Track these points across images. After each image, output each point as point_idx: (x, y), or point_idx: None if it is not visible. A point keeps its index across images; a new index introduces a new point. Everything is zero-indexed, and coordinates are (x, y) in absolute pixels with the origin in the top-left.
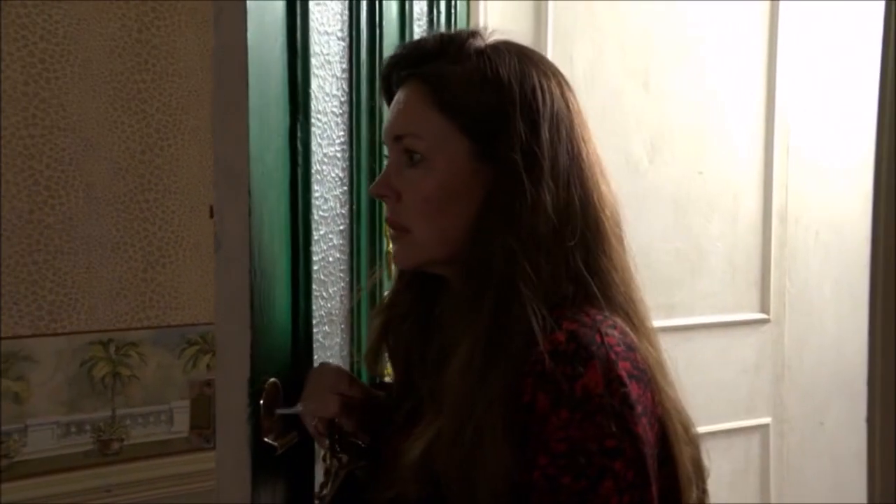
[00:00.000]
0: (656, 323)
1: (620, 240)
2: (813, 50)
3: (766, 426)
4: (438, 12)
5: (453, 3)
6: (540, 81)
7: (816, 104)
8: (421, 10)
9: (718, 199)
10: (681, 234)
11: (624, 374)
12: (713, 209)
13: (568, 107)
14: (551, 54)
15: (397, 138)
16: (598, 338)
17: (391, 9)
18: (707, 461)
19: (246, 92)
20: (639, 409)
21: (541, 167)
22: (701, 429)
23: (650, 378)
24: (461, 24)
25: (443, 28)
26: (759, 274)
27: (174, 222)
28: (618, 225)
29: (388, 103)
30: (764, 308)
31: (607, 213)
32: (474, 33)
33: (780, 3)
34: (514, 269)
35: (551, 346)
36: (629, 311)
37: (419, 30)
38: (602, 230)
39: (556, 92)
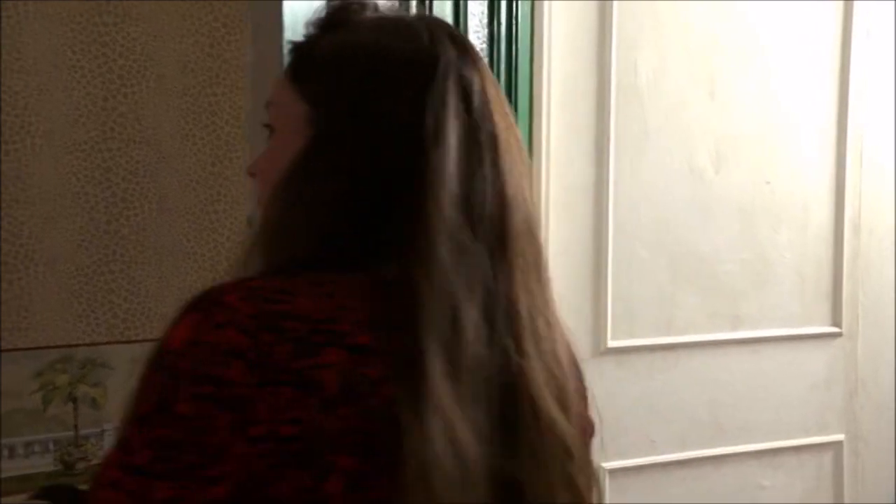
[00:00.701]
0: (721, 335)
1: None
2: (888, 52)
3: (839, 443)
4: (499, 15)
5: (515, 4)
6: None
7: (891, 110)
8: (482, 12)
9: (787, 209)
10: (747, 245)
11: None
12: (781, 219)
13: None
14: (615, 60)
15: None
16: None
17: (444, 8)
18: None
19: None
20: None
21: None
22: (769, 444)
23: None
24: (524, 28)
25: (503, 31)
26: (831, 286)
27: (242, 232)
28: None
29: None
30: (836, 321)
31: None
32: (364, 5)
33: (855, 3)
34: None
35: None
36: None
37: (479, 31)
38: None
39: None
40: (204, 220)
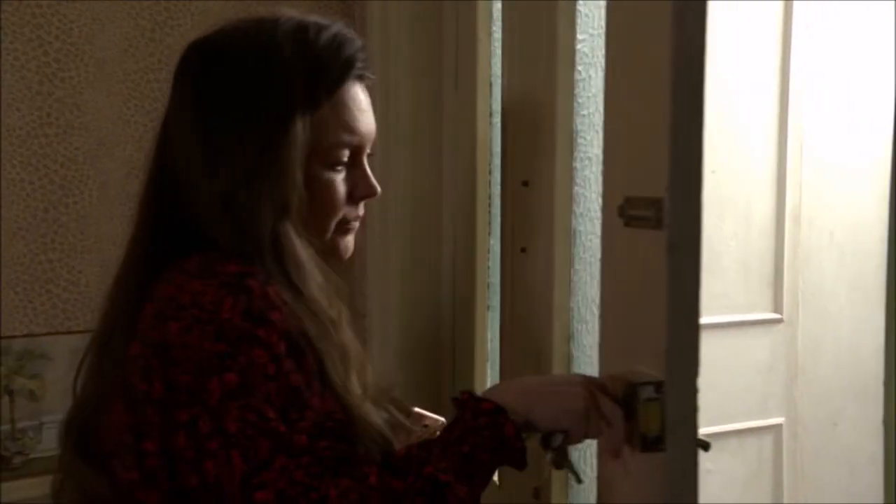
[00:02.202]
0: None
1: None
2: (827, 48)
3: (779, 427)
4: None
5: None
6: None
7: (831, 103)
8: None
9: (731, 199)
10: None
11: None
12: (726, 209)
13: None
14: None
15: (372, 142)
16: None
17: None
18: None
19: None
20: None
21: None
22: (713, 429)
23: None
24: None
25: None
26: (773, 274)
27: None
28: None
29: (331, 91)
30: (777, 308)
31: None
32: None
33: (794, 2)
34: None
35: None
36: None
37: None
38: None
39: None
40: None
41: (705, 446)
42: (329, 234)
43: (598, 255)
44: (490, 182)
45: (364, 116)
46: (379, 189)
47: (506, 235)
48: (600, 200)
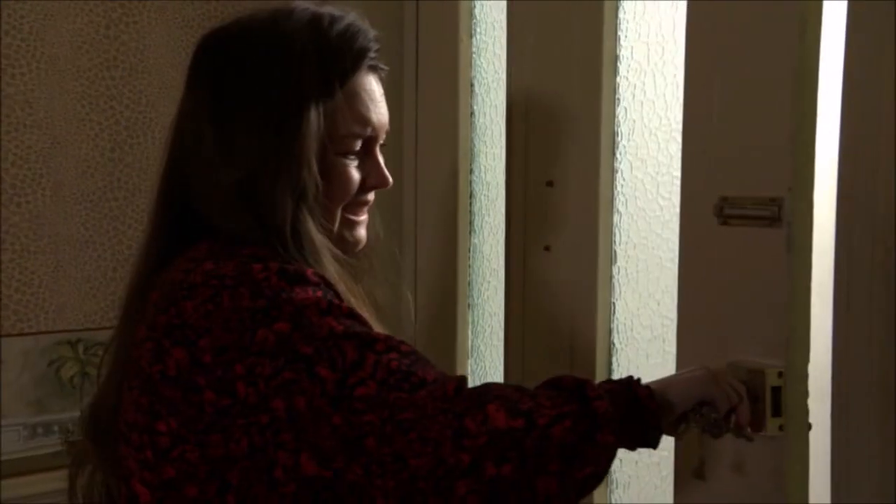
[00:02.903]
0: None
1: None
2: None
3: None
4: None
5: None
6: None
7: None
8: None
9: None
10: None
11: None
12: None
13: None
14: None
15: (386, 131)
16: None
17: None
18: None
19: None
20: None
21: None
22: None
23: None
24: None
25: None
26: None
27: (144, 220)
28: None
29: (344, 80)
30: None
31: None
32: None
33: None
34: None
35: None
36: None
37: None
38: None
39: None
40: (103, 208)
41: (809, 426)
42: (336, 224)
43: (645, 252)
44: (471, 181)
45: (377, 107)
46: (391, 179)
47: (527, 234)
48: (648, 199)
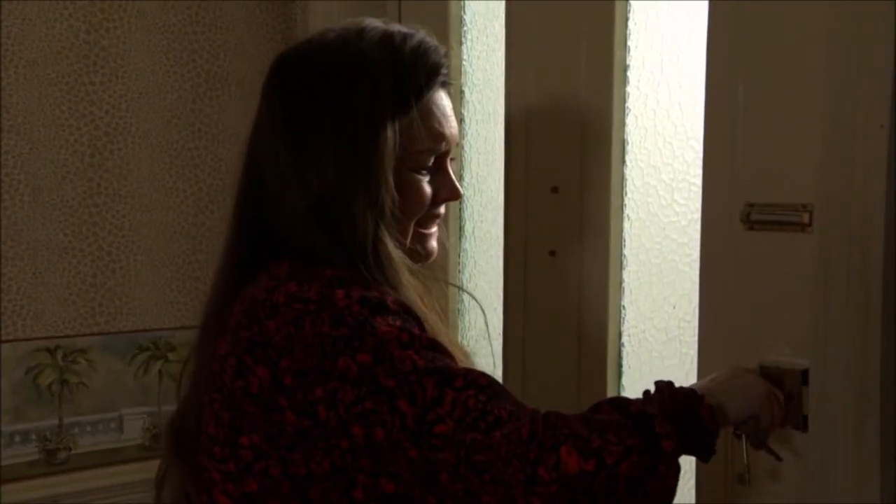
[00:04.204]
0: None
1: None
2: None
3: None
4: None
5: None
6: None
7: None
8: None
9: None
10: None
11: None
12: None
13: None
14: None
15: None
16: None
17: None
18: None
19: None
20: None
21: None
22: None
23: None
24: None
25: None
26: None
27: (124, 227)
28: None
29: (419, 97)
30: None
31: None
32: None
33: None
34: None
35: None
36: None
37: None
38: None
39: None
40: (83, 214)
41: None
42: (409, 238)
43: (659, 256)
44: (463, 186)
45: (449, 122)
46: (462, 192)
47: (529, 239)
48: (662, 205)
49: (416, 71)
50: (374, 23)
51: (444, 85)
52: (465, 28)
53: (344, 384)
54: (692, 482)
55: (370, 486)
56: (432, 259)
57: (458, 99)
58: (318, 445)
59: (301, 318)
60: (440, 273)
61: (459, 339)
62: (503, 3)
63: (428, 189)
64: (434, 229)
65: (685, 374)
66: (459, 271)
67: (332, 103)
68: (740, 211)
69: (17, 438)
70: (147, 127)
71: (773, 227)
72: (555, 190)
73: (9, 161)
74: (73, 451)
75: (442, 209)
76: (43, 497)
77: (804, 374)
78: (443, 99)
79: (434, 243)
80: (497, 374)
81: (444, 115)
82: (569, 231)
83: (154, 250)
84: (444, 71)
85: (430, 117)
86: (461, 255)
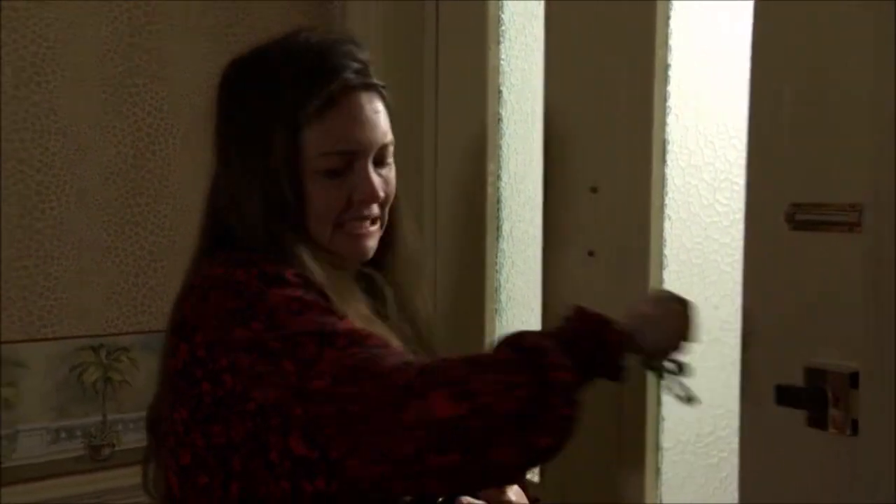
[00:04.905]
0: None
1: None
2: None
3: None
4: None
5: None
6: None
7: None
8: None
9: None
10: None
11: None
12: None
13: None
14: None
15: (383, 147)
16: None
17: None
18: None
19: None
20: None
21: None
22: None
23: None
24: None
25: None
26: None
27: (165, 226)
28: None
29: (322, 102)
30: None
31: None
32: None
33: None
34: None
35: None
36: None
37: None
38: None
39: None
40: (125, 214)
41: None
42: (327, 238)
43: (700, 257)
44: (499, 187)
45: (358, 126)
46: (379, 192)
47: (568, 239)
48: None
49: (314, 77)
50: (301, 30)
51: (365, 87)
52: (503, 28)
53: (241, 352)
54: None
55: (282, 448)
56: (365, 259)
57: (496, 98)
58: (233, 412)
59: (207, 295)
60: (410, 272)
61: (496, 337)
62: (542, 3)
63: (333, 191)
64: (364, 230)
65: (727, 376)
66: (497, 271)
67: (238, 110)
68: (785, 211)
69: (63, 435)
70: (188, 128)
71: (819, 228)
72: (594, 190)
73: (56, 162)
74: (116, 448)
75: (372, 210)
76: (88, 493)
77: (853, 376)
78: (355, 103)
79: (366, 244)
80: None
81: (353, 118)
82: (608, 231)
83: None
84: (349, 74)
85: (331, 121)
86: (498, 254)
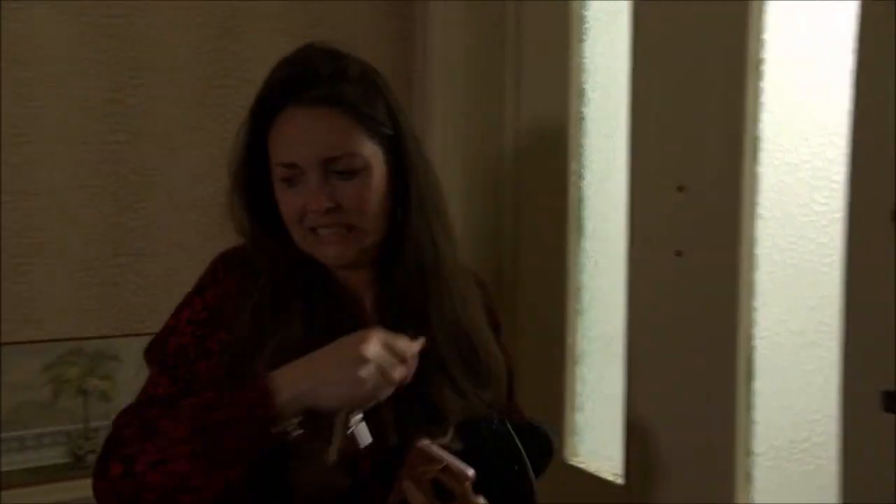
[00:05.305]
0: None
1: None
2: None
3: None
4: None
5: None
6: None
7: None
8: None
9: None
10: None
11: None
12: None
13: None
14: None
15: (330, 160)
16: None
17: None
18: None
19: None
20: None
21: (411, 151)
22: None
23: None
24: None
25: None
26: None
27: None
28: None
29: (270, 115)
30: None
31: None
32: (336, 50)
33: None
34: (433, 234)
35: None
36: None
37: None
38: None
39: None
40: (212, 214)
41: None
42: (300, 241)
43: (789, 257)
44: (581, 186)
45: (295, 142)
46: (322, 204)
47: (654, 238)
48: (800, 204)
49: (268, 90)
50: (310, 42)
51: (310, 102)
52: (586, 26)
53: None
54: None
55: None
56: (333, 264)
57: (579, 97)
58: None
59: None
60: (425, 279)
61: (578, 337)
62: (627, 1)
63: (291, 198)
64: (328, 237)
65: (824, 380)
66: (579, 271)
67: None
68: (891, 210)
69: None
70: None
71: None
72: (681, 189)
73: (148, 164)
74: None
75: (329, 218)
76: None
77: None
78: (294, 119)
79: (331, 249)
80: (618, 376)
81: (291, 134)
82: (696, 230)
83: None
84: (290, 91)
85: (276, 136)
86: (580, 253)
